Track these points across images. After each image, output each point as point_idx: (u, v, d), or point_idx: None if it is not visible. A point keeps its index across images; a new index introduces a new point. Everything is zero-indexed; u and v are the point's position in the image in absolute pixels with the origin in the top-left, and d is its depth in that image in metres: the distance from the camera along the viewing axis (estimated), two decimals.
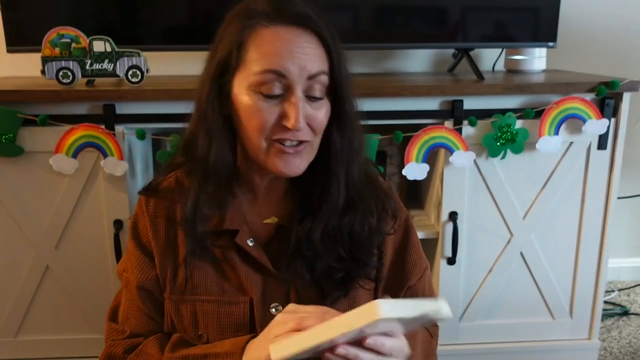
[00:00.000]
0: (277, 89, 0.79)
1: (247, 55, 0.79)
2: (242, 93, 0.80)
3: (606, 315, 2.01)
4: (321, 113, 0.82)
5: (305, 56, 0.78)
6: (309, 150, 0.84)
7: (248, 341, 0.80)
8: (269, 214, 0.92)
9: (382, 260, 0.93)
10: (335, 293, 0.88)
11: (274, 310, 0.88)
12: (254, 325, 0.87)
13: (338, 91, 0.82)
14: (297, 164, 0.83)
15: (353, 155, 0.86)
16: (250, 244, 0.87)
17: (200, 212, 0.85)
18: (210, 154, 0.82)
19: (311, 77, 0.79)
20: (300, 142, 0.82)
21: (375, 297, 0.94)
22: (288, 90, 0.79)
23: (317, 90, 0.80)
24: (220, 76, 0.82)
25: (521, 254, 1.58)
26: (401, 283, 0.94)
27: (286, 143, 0.81)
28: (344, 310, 0.88)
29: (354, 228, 0.88)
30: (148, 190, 0.92)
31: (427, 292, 0.98)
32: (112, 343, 0.91)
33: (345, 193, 0.86)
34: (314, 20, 0.79)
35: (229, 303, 0.87)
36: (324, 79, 0.81)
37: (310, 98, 0.80)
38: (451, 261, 1.55)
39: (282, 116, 0.79)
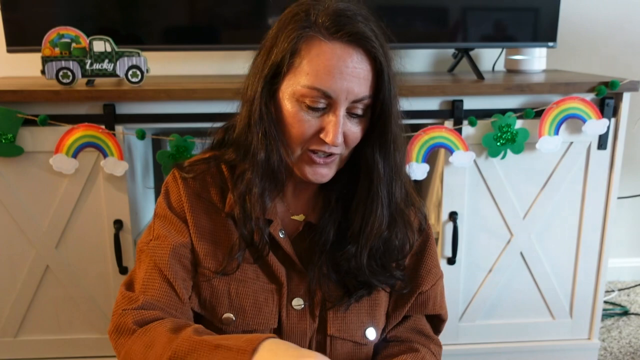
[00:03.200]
0: (320, 104, 0.80)
1: (299, 64, 0.80)
2: (286, 98, 0.82)
3: (606, 315, 2.01)
4: (358, 129, 0.84)
5: (354, 79, 0.79)
6: (338, 161, 0.86)
7: (262, 341, 0.74)
8: (297, 212, 0.94)
9: (404, 271, 0.94)
10: (360, 292, 0.90)
11: (296, 305, 0.89)
12: (280, 316, 0.89)
13: (383, 113, 0.82)
14: (325, 174, 0.86)
15: (395, 175, 0.87)
16: (282, 236, 0.89)
17: (255, 208, 0.86)
18: (272, 154, 0.84)
19: (356, 101, 0.81)
20: (332, 154, 0.84)
21: (390, 299, 0.95)
22: (331, 107, 0.81)
23: (360, 110, 0.82)
24: (272, 79, 0.82)
25: (521, 254, 1.58)
26: (413, 288, 0.95)
27: (319, 153, 0.83)
28: (366, 309, 0.91)
29: (393, 243, 0.89)
30: (183, 168, 0.92)
31: (438, 301, 0.98)
32: (122, 313, 0.83)
33: (388, 213, 0.87)
34: (371, 41, 0.79)
35: (264, 288, 0.89)
36: (368, 101, 0.82)
37: (351, 115, 0.82)
38: (451, 261, 1.55)
39: (321, 130, 0.81)
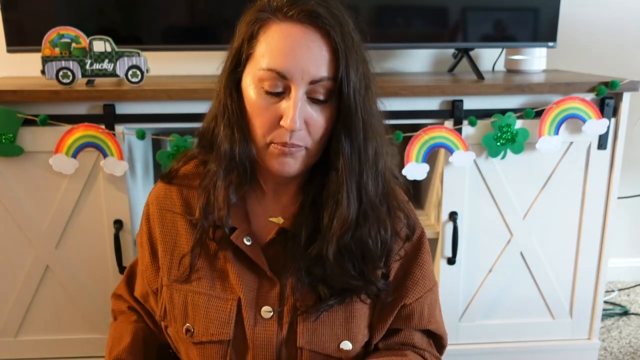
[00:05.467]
0: (278, 87, 0.78)
1: (256, 48, 0.79)
2: (248, 86, 0.80)
3: (606, 315, 2.01)
4: (322, 116, 0.80)
5: (309, 58, 0.76)
6: (305, 154, 0.82)
7: None
8: (276, 213, 0.91)
9: (388, 281, 0.89)
10: (331, 300, 0.85)
11: (265, 313, 0.86)
12: (240, 325, 0.86)
13: (346, 97, 0.78)
14: (291, 164, 0.82)
15: (367, 165, 0.83)
16: (247, 243, 0.86)
17: (219, 202, 0.84)
18: (236, 146, 0.82)
19: (314, 82, 0.77)
20: (298, 145, 0.81)
21: (373, 311, 0.90)
22: (289, 90, 0.78)
23: (321, 94, 0.78)
24: (235, 68, 0.82)
25: (521, 254, 1.58)
26: (397, 300, 0.90)
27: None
28: (340, 322, 0.86)
29: (366, 242, 0.84)
30: (166, 177, 0.93)
31: (425, 315, 0.92)
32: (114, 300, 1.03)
33: (357, 206, 0.83)
34: (325, 18, 0.76)
35: (218, 298, 0.86)
36: (329, 84, 0.78)
37: (313, 100, 0.79)
38: (451, 261, 1.55)
39: (281, 117, 0.78)
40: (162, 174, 0.94)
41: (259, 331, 0.85)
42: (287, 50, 0.76)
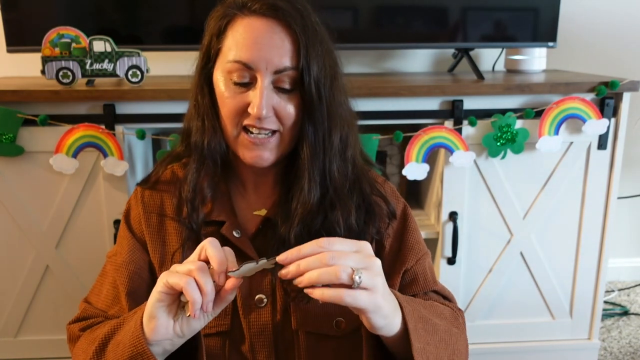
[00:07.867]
0: (245, 78, 0.82)
1: (224, 43, 0.83)
2: (219, 79, 0.85)
3: (606, 315, 2.01)
4: (290, 105, 0.83)
5: (272, 49, 0.80)
6: (278, 141, 0.85)
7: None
8: (259, 206, 0.94)
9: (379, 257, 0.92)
10: None
11: (258, 302, 0.88)
12: (236, 315, 0.88)
13: (307, 86, 0.82)
14: (265, 157, 0.85)
15: (332, 152, 0.86)
16: (237, 236, 0.89)
17: (197, 195, 0.88)
18: (205, 137, 0.87)
19: (278, 72, 0.81)
20: (273, 133, 0.84)
21: None
22: (255, 80, 0.82)
23: (286, 83, 0.82)
24: (205, 64, 0.86)
25: (521, 254, 1.58)
26: (398, 266, 0.93)
27: (253, 131, 0.84)
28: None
29: (335, 228, 0.87)
30: (145, 183, 0.95)
31: (429, 277, 0.95)
32: (71, 325, 0.91)
33: (319, 191, 0.86)
34: (287, 12, 0.80)
35: None
36: (293, 73, 0.82)
37: (279, 89, 0.83)
38: (451, 261, 1.55)
39: (249, 103, 0.82)
40: (140, 181, 0.97)
41: (254, 319, 0.88)
42: (251, 42, 0.80)
